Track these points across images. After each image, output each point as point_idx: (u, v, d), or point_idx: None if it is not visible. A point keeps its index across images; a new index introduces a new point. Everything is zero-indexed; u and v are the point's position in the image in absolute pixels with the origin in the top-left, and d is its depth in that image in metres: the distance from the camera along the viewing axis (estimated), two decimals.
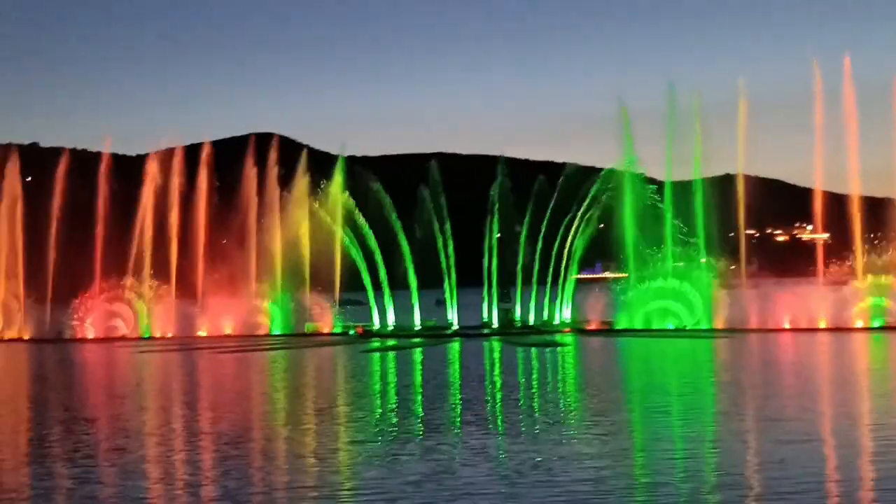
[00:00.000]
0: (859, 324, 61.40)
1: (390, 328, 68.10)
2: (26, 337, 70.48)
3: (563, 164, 77.21)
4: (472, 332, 65.12)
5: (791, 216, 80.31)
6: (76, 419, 28.79)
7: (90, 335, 69.65)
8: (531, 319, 69.05)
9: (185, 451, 22.98)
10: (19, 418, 29.94)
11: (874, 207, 68.43)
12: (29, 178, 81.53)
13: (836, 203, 68.91)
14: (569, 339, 60.04)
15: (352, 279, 73.83)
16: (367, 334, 65.86)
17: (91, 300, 71.73)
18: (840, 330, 60.23)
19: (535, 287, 70.51)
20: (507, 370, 43.50)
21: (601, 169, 74.03)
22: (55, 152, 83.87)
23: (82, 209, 77.04)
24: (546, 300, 70.06)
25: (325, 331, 69.10)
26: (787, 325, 62.71)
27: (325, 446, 23.32)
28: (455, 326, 66.84)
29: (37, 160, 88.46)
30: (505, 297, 69.78)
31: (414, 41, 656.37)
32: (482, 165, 79.21)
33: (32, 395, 37.33)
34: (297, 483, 18.80)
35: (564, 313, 69.14)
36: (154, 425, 27.23)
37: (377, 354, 52.47)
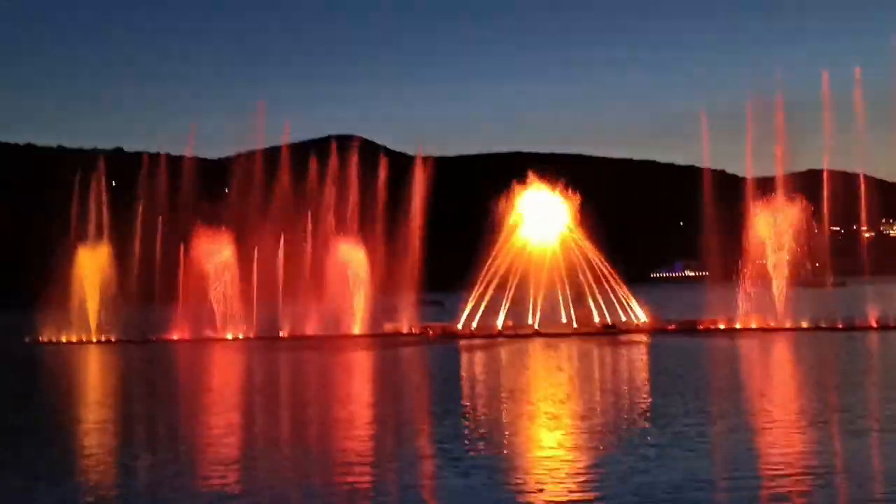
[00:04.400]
0: None
1: (473, 328, 67.40)
2: (113, 339, 71.95)
3: (641, 162, 76.32)
4: (552, 333, 64.58)
5: (879, 212, 78.42)
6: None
7: (175, 336, 70.96)
8: (609, 319, 67.96)
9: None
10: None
11: None
12: (114, 183, 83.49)
13: None
14: (651, 338, 59.58)
15: (432, 279, 74.19)
16: (447, 335, 65.89)
17: (176, 302, 73.20)
18: None
19: (612, 287, 69.43)
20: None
21: (680, 167, 73.08)
22: (139, 157, 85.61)
23: (166, 211, 78.57)
24: (625, 300, 68.95)
25: (404, 331, 69.40)
26: (873, 324, 61.26)
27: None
28: (536, 327, 66.32)
29: (121, 165, 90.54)
30: (579, 298, 68.46)
31: (493, 37, 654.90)
32: (562, 164, 78.28)
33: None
34: None
35: (642, 313, 68.14)
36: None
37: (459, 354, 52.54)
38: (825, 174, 69.15)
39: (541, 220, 69.20)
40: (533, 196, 70.32)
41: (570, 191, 70.97)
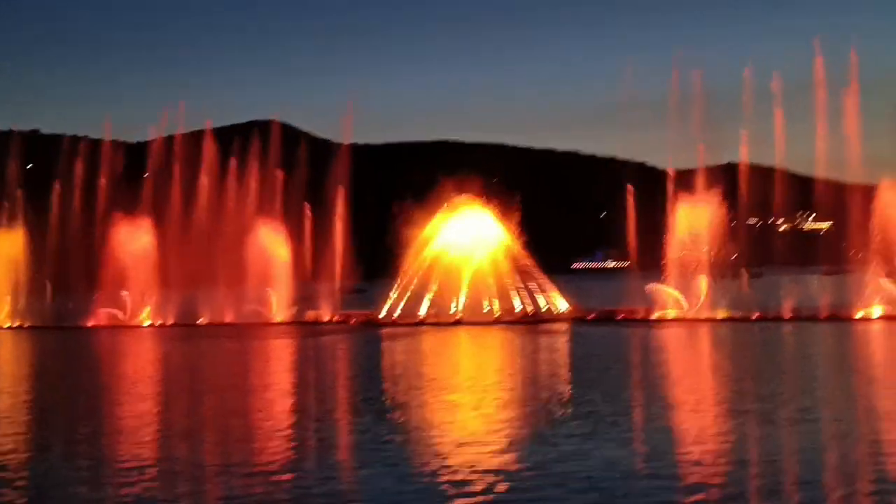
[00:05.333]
0: (860, 314, 61.16)
1: (396, 316, 66.98)
2: (26, 325, 70.35)
3: (564, 153, 76.90)
4: (475, 322, 64.55)
5: (794, 205, 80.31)
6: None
7: (91, 323, 69.55)
8: (531, 308, 68.11)
9: None
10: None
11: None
12: (30, 165, 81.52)
13: (839, 191, 68.79)
14: (571, 327, 60.12)
15: (355, 267, 73.96)
16: (369, 324, 65.62)
17: (92, 288, 71.78)
18: (840, 319, 59.94)
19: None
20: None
21: (602, 158, 73.96)
22: (56, 139, 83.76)
23: (84, 195, 76.98)
24: (546, 290, 69.26)
25: (326, 319, 69.00)
26: (787, 314, 62.56)
27: None
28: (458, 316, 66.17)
29: (38, 147, 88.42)
30: (503, 291, 68.10)
31: (416, 27, 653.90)
32: (487, 153, 78.43)
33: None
34: None
35: (563, 302, 68.73)
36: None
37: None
38: (743, 167, 70.52)
39: (468, 244, 68.85)
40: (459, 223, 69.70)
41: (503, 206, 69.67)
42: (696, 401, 27.58)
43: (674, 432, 22.83)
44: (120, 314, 70.58)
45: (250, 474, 18.67)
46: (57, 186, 77.06)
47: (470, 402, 28.17)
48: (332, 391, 32.65)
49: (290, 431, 23.89)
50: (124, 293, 71.12)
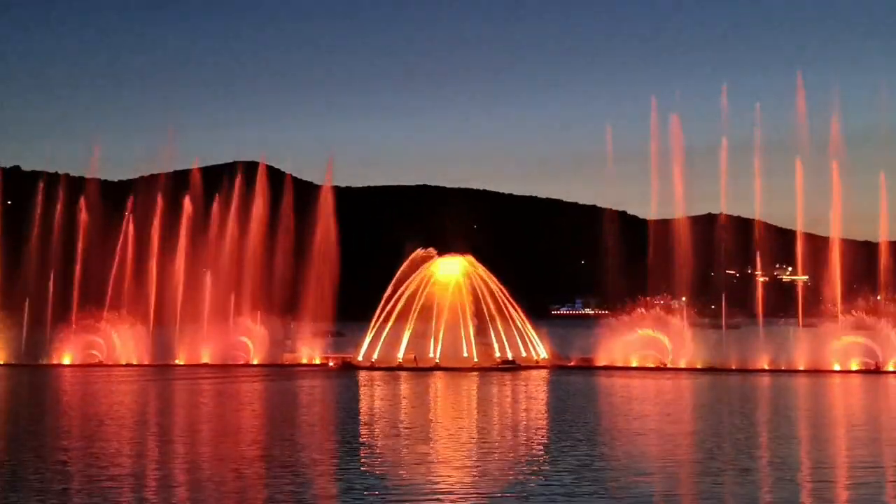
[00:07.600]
0: (836, 367, 61.42)
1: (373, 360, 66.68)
2: (1, 361, 69.55)
3: (546, 200, 77.23)
4: (453, 367, 64.26)
5: (773, 257, 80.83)
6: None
7: (66, 361, 68.83)
8: (510, 354, 67.81)
9: None
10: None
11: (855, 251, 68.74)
12: (9, 202, 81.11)
13: (818, 245, 69.32)
14: (550, 374, 59.93)
15: (333, 309, 73.79)
16: (347, 367, 65.34)
17: (70, 327, 71.11)
18: (818, 372, 60.15)
19: (514, 322, 69.50)
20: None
21: (583, 206, 74.34)
22: (37, 176, 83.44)
23: (64, 233, 76.58)
24: (525, 335, 69.08)
25: (303, 362, 68.72)
26: (765, 366, 62.72)
27: None
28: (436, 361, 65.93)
29: (18, 184, 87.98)
30: (482, 331, 68.19)
31: (402, 71, 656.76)
32: (467, 198, 78.72)
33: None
34: None
35: (543, 349, 68.66)
36: None
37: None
38: (722, 218, 71.06)
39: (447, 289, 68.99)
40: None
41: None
42: (682, 453, 27.62)
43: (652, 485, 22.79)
44: (97, 352, 69.86)
45: None
46: (36, 223, 76.61)
47: (444, 453, 28.02)
48: (307, 439, 32.32)
49: (262, 480, 23.67)
50: (102, 331, 70.41)
